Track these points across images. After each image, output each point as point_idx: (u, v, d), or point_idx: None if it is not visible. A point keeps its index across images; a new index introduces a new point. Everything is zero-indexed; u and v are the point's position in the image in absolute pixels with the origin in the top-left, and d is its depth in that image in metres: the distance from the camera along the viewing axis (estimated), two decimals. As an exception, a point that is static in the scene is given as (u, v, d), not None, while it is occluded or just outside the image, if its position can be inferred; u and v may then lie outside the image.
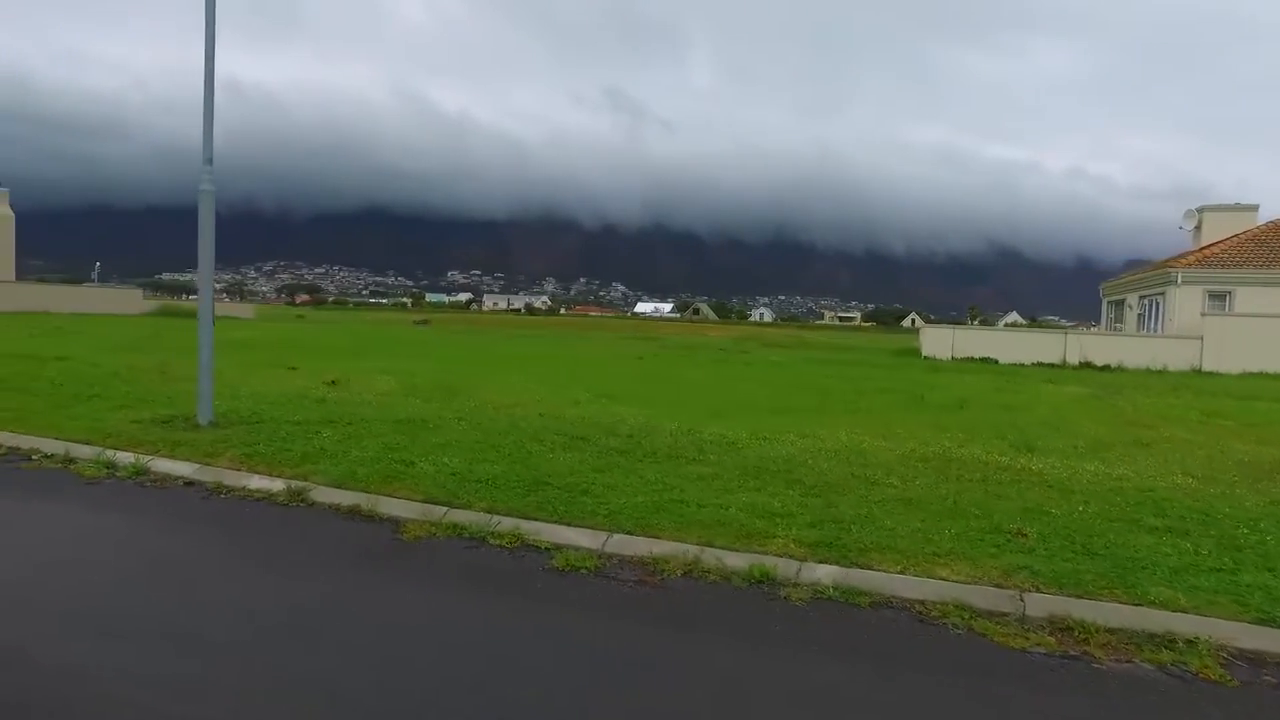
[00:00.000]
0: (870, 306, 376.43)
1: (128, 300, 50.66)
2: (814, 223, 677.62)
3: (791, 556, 4.90)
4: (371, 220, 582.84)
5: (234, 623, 3.83)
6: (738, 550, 4.98)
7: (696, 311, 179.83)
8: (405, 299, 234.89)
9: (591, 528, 5.39)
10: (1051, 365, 28.26)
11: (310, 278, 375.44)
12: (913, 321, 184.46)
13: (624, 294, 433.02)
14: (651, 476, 6.65)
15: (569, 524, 5.47)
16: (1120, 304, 37.68)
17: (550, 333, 52.88)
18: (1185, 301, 29.92)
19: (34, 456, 7.05)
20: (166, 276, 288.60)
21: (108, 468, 6.67)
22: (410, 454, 7.09)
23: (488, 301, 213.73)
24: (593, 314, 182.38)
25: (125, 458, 6.86)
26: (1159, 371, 26.13)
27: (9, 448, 7.31)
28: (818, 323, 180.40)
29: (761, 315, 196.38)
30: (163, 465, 6.71)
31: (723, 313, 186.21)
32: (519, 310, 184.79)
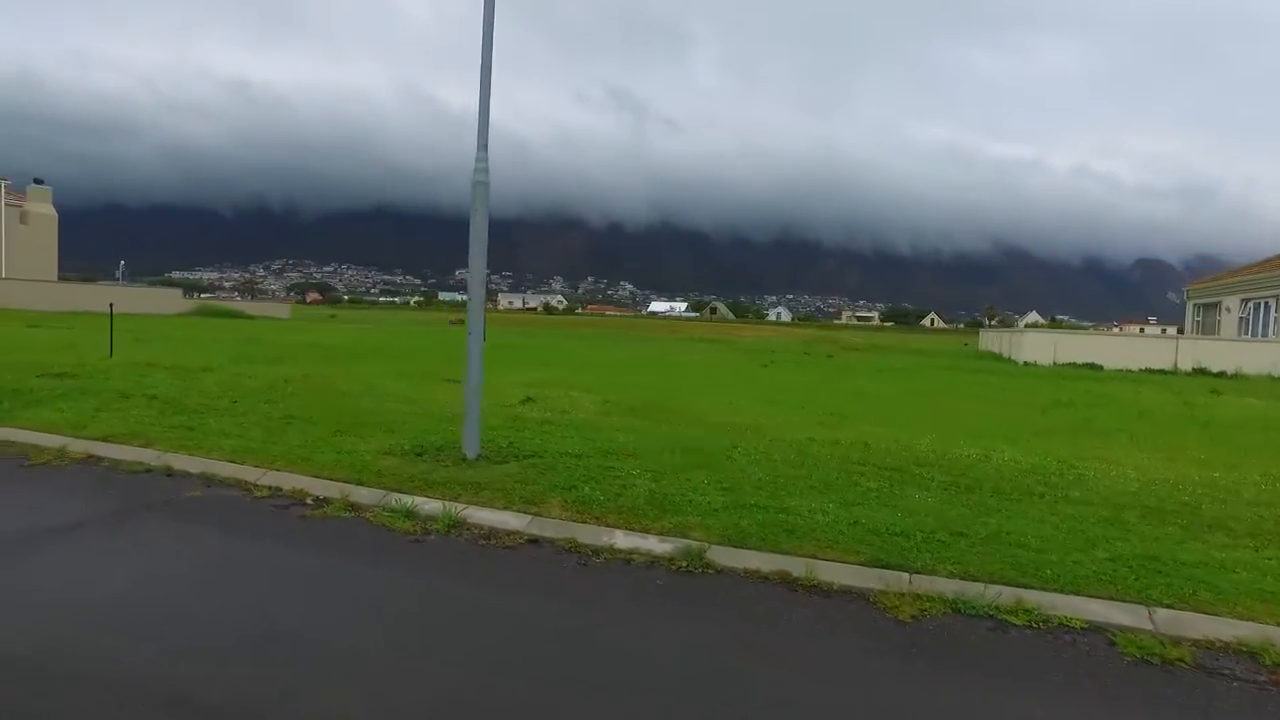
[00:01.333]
0: (878, 305, 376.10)
1: (167, 300, 49.62)
2: (820, 221, 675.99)
3: None
4: (379, 219, 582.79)
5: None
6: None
7: (714, 311, 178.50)
8: (418, 297, 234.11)
9: (1109, 598, 4.22)
10: (1161, 371, 26.92)
11: (319, 276, 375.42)
12: (932, 322, 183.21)
13: (631, 293, 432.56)
14: (1065, 521, 5.51)
15: (1077, 593, 4.29)
16: (1212, 307, 36.23)
17: (600, 333, 51.72)
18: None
19: (307, 500, 5.78)
20: (176, 275, 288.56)
21: (408, 517, 5.38)
22: (755, 496, 5.84)
23: (503, 301, 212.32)
24: (609, 313, 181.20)
25: (425, 504, 5.56)
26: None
27: (271, 487, 6.03)
28: (836, 322, 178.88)
29: (779, 315, 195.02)
30: (481, 516, 5.42)
31: (740, 313, 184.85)
32: (535, 309, 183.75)
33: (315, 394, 10.10)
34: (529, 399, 10.40)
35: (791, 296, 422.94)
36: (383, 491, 5.85)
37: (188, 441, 7.16)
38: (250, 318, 49.31)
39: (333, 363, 15.37)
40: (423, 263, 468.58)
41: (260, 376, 11.69)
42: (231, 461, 6.59)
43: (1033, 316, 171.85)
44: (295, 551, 4.78)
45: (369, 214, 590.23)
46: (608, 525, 5.21)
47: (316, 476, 6.20)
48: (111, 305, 15.75)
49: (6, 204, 44.09)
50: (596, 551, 4.89)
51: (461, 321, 67.21)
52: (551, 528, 5.22)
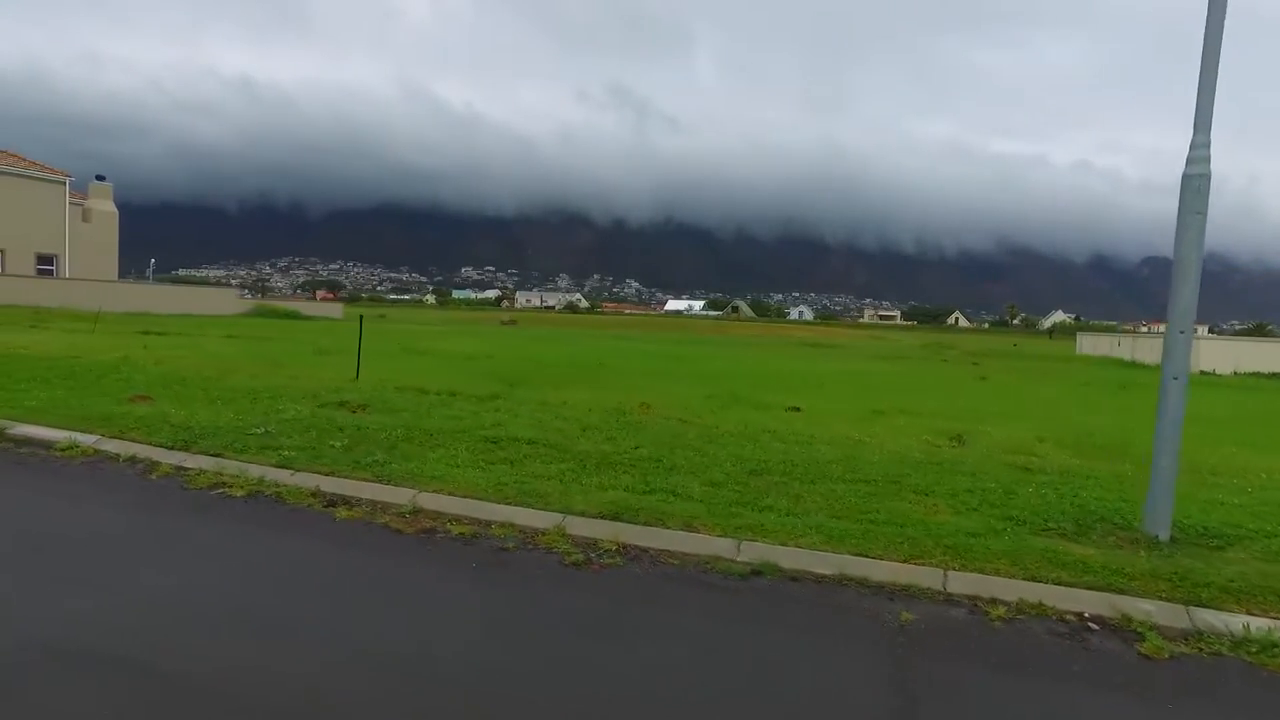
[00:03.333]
0: (899, 304, 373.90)
1: (224, 300, 47.89)
2: (825, 218, 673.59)
3: None
4: (384, 217, 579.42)
5: None
6: None
7: (735, 310, 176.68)
8: (429, 295, 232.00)
9: None
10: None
11: (325, 274, 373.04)
12: (955, 321, 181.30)
13: (638, 290, 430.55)
14: None
15: None
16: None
17: (678, 336, 49.95)
18: None
19: (1033, 615, 4.01)
20: (183, 273, 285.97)
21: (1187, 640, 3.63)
22: None
23: (520, 299, 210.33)
24: (628, 312, 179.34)
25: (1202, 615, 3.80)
26: None
27: (968, 596, 4.27)
28: (861, 321, 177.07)
29: (801, 314, 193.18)
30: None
31: (761, 311, 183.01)
32: (552, 307, 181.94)
33: (732, 438, 8.21)
34: (960, 438, 8.60)
35: (798, 294, 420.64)
36: (1110, 596, 4.13)
37: (728, 520, 5.38)
38: (311, 318, 47.54)
39: (605, 384, 13.45)
40: (428, 260, 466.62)
41: (577, 405, 9.89)
42: (819, 550, 4.85)
43: (1058, 315, 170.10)
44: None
45: (373, 212, 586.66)
46: None
47: (984, 574, 4.47)
48: (362, 318, 13.99)
49: (70, 202, 42.24)
50: None
51: (514, 322, 65.32)
52: None
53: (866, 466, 7.00)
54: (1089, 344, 42.28)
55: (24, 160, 41.22)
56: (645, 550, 4.96)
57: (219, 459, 6.70)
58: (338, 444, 7.23)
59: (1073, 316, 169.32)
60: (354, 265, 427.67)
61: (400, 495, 5.92)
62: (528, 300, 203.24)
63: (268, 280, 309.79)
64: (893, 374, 19.98)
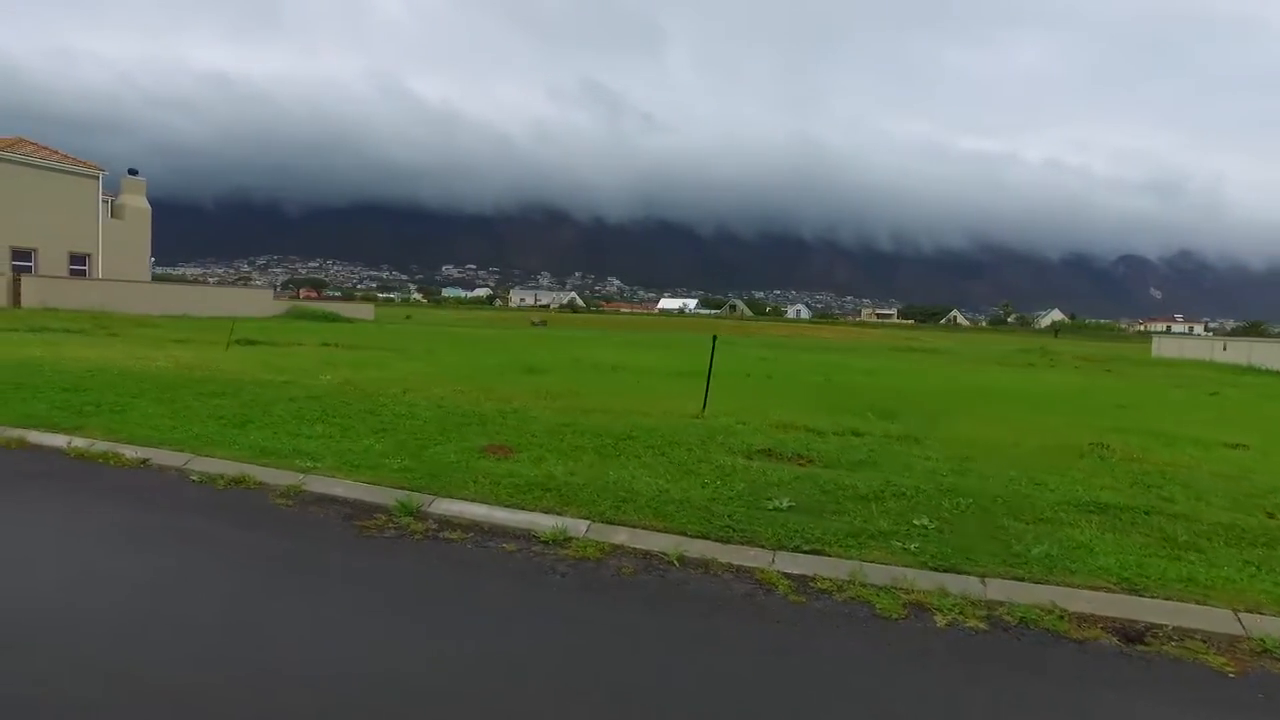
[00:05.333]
0: (865, 300, 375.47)
1: (260, 301, 45.36)
2: (804, 215, 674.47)
3: None
4: (364, 214, 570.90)
5: None
6: None
7: (734, 308, 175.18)
8: (418, 294, 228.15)
9: None
10: None
11: (304, 272, 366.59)
12: (954, 320, 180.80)
13: (620, 288, 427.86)
14: None
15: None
16: None
17: (733, 339, 48.06)
18: None
19: None
20: (159, 270, 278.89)
21: None
22: None
23: (514, 298, 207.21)
24: (624, 311, 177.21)
25: None
26: None
27: None
28: (858, 319, 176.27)
29: (800, 312, 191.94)
30: None
31: (757, 310, 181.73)
32: (547, 306, 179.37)
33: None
34: None
35: (780, 291, 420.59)
36: None
37: None
38: (349, 320, 45.15)
39: (960, 413, 11.44)
40: (409, 258, 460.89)
41: (1052, 445, 7.99)
42: None
43: (1054, 314, 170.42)
44: None
45: (352, 209, 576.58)
46: None
47: None
48: (715, 339, 11.91)
49: (103, 199, 39.55)
50: None
51: (545, 323, 63.63)
52: None
53: None
54: (1172, 347, 41.01)
55: (56, 153, 38.44)
56: None
57: (828, 558, 4.77)
58: (927, 523, 5.32)
59: (1072, 315, 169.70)
60: (334, 263, 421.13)
61: (1220, 621, 4.05)
62: (521, 300, 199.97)
63: (248, 278, 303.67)
64: (1107, 389, 18.29)
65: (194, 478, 6.33)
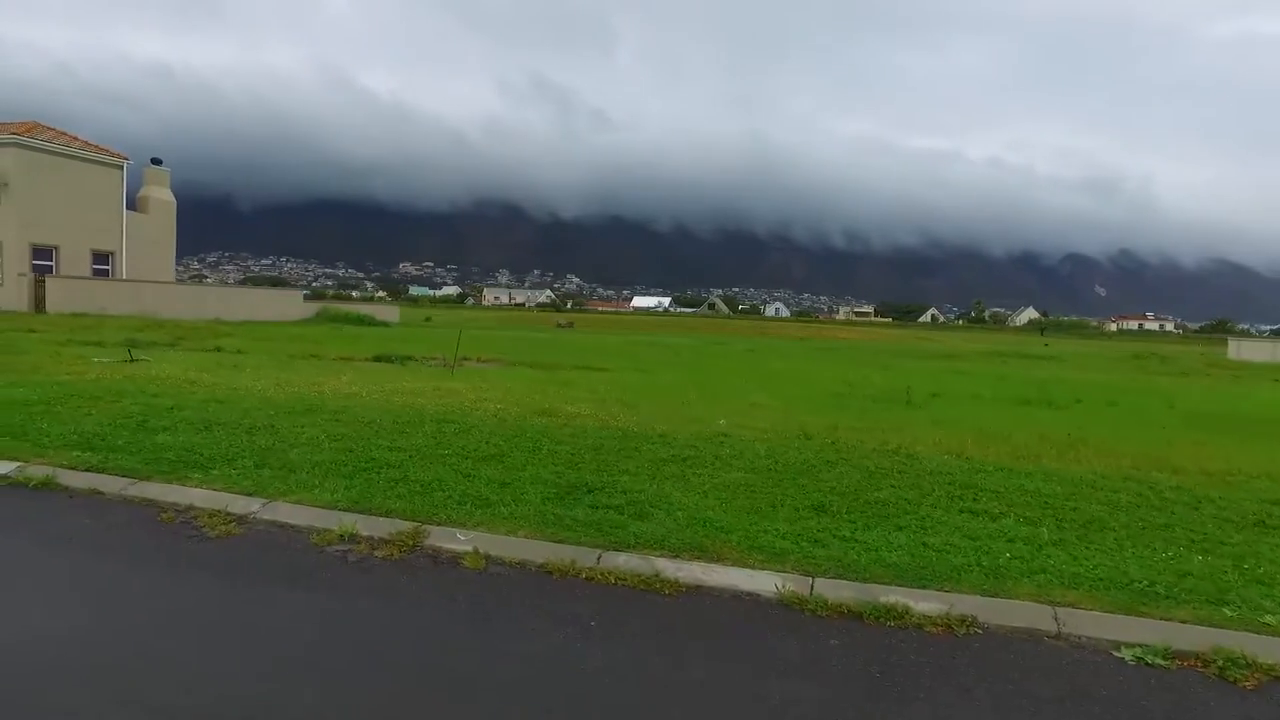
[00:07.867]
0: (822, 298, 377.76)
1: (290, 304, 42.04)
2: (758, 213, 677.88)
3: None
4: (317, 211, 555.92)
5: None
6: None
7: (712, 306, 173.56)
8: (382, 292, 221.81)
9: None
10: None
11: (257, 269, 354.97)
12: (933, 318, 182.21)
13: (579, 285, 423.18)
14: None
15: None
16: None
17: (755, 341, 46.11)
18: None
19: None
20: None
21: None
22: None
23: (488, 296, 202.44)
24: (601, 309, 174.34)
25: None
26: None
27: None
28: (835, 319, 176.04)
29: (778, 310, 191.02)
30: None
31: (731, 307, 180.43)
32: (522, 305, 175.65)
33: None
34: None
35: (739, 290, 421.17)
36: None
37: None
38: (384, 324, 42.08)
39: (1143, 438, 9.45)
40: (364, 255, 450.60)
41: None
42: None
43: (1030, 313, 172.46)
44: None
45: (305, 205, 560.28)
46: None
47: None
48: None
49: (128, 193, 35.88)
50: None
51: (572, 324, 60.87)
52: None
53: None
54: (1250, 350, 40.14)
55: (76, 139, 34.66)
56: None
57: None
58: None
59: (1042, 313, 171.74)
60: (287, 260, 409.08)
61: None
62: (496, 299, 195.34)
63: (203, 276, 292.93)
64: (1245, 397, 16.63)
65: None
